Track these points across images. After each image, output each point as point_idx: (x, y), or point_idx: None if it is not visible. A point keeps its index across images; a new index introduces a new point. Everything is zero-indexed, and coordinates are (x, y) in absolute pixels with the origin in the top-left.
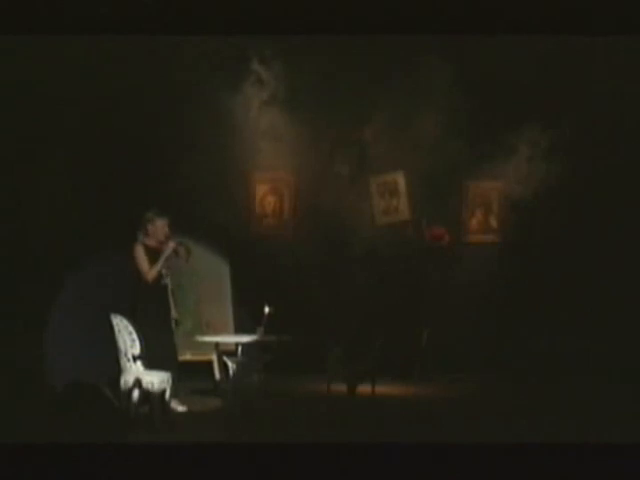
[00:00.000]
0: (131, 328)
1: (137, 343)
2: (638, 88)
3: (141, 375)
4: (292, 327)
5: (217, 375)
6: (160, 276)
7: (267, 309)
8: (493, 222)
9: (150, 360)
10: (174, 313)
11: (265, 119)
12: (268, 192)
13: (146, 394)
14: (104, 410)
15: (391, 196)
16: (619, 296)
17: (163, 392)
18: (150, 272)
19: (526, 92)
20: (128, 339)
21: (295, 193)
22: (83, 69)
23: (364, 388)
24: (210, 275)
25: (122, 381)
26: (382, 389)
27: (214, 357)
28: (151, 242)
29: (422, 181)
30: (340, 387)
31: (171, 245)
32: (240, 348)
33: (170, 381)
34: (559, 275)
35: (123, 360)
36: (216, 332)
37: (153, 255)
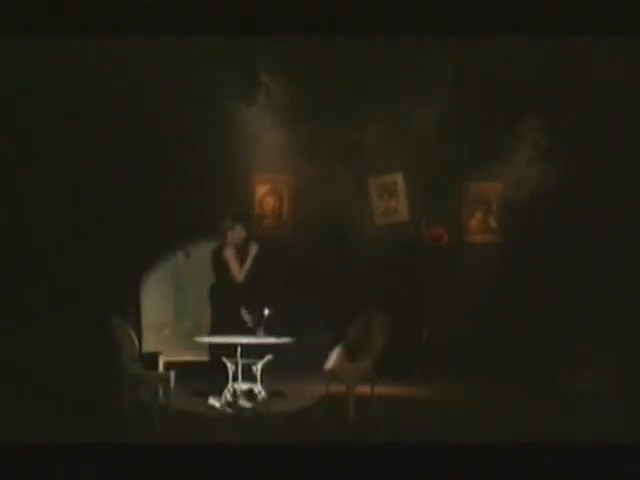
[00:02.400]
0: (130, 329)
1: (136, 343)
2: (638, 88)
3: (140, 376)
4: (292, 328)
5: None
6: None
7: (267, 310)
8: (493, 222)
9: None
10: (246, 316)
11: (264, 120)
12: (268, 193)
13: (146, 394)
14: (104, 410)
15: (390, 197)
16: (619, 296)
17: (163, 392)
18: (240, 273)
19: (526, 92)
20: (127, 339)
21: (294, 194)
22: (83, 69)
23: (364, 388)
24: (209, 275)
25: (121, 382)
26: (382, 389)
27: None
28: (234, 246)
29: (421, 182)
30: (340, 387)
31: (255, 247)
32: (239, 349)
33: (171, 382)
34: (559, 275)
35: (122, 361)
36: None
37: (240, 257)
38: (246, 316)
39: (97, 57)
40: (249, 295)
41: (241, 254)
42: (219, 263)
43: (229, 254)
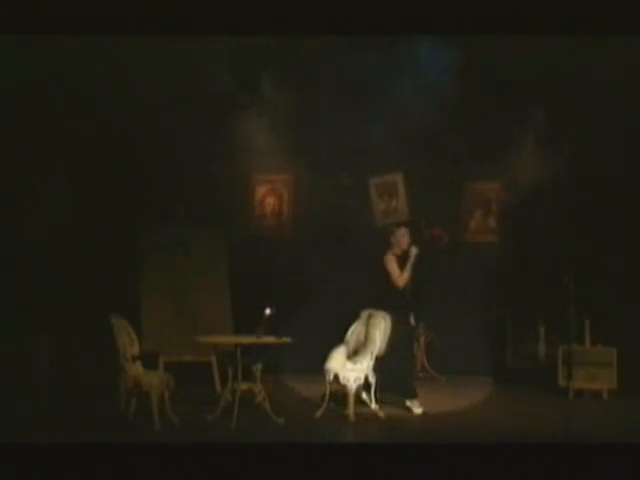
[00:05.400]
0: (130, 328)
1: (136, 343)
2: (638, 88)
3: (140, 376)
4: (292, 328)
5: (216, 376)
6: (408, 281)
7: (268, 310)
8: (492, 222)
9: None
10: (412, 320)
11: (264, 120)
12: (267, 193)
13: (145, 395)
14: (104, 410)
15: (390, 197)
16: (619, 296)
17: (162, 393)
18: (401, 278)
19: (526, 92)
20: (127, 339)
21: (294, 194)
22: (83, 69)
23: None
24: (210, 275)
25: (121, 382)
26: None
27: (213, 358)
28: (396, 251)
29: (422, 182)
30: (340, 387)
31: (414, 251)
32: (239, 349)
33: (171, 382)
34: (558, 275)
35: (122, 360)
36: (215, 333)
37: (401, 262)
38: (412, 320)
39: (97, 57)
40: (416, 300)
41: (402, 259)
42: (381, 268)
43: (389, 259)
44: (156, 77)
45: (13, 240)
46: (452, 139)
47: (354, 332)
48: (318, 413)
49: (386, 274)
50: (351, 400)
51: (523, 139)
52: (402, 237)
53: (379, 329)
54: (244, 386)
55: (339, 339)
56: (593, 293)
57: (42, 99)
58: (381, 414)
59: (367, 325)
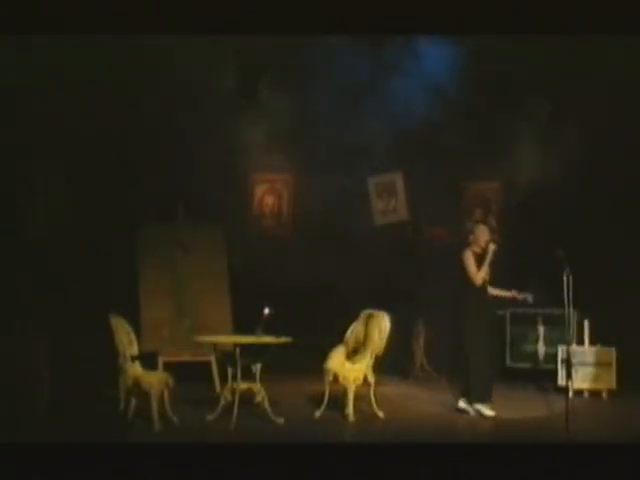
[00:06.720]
0: (129, 328)
1: (135, 343)
2: (638, 88)
3: (140, 375)
4: (291, 327)
5: (215, 376)
6: (485, 279)
7: (267, 310)
8: (492, 222)
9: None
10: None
11: (264, 119)
12: (267, 192)
13: (145, 395)
14: (104, 410)
15: (389, 196)
16: (619, 296)
17: (162, 393)
18: (478, 275)
19: (526, 92)
20: (126, 339)
21: (294, 194)
22: (83, 69)
23: (364, 389)
24: (209, 275)
25: (121, 381)
26: (382, 389)
27: (212, 358)
28: (475, 248)
29: (421, 181)
30: (340, 387)
31: (492, 249)
32: (239, 349)
33: (170, 382)
34: (558, 275)
35: (121, 360)
36: (214, 332)
37: (478, 260)
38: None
39: (97, 57)
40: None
41: (480, 257)
42: (460, 265)
43: (467, 256)
44: (156, 77)
45: (13, 240)
46: (452, 139)
47: (354, 332)
48: (318, 413)
49: (463, 271)
50: (351, 400)
51: (523, 139)
52: (481, 234)
53: (378, 329)
54: (244, 386)
55: (339, 339)
56: (593, 293)
57: (42, 99)
58: (381, 414)
59: (366, 325)
